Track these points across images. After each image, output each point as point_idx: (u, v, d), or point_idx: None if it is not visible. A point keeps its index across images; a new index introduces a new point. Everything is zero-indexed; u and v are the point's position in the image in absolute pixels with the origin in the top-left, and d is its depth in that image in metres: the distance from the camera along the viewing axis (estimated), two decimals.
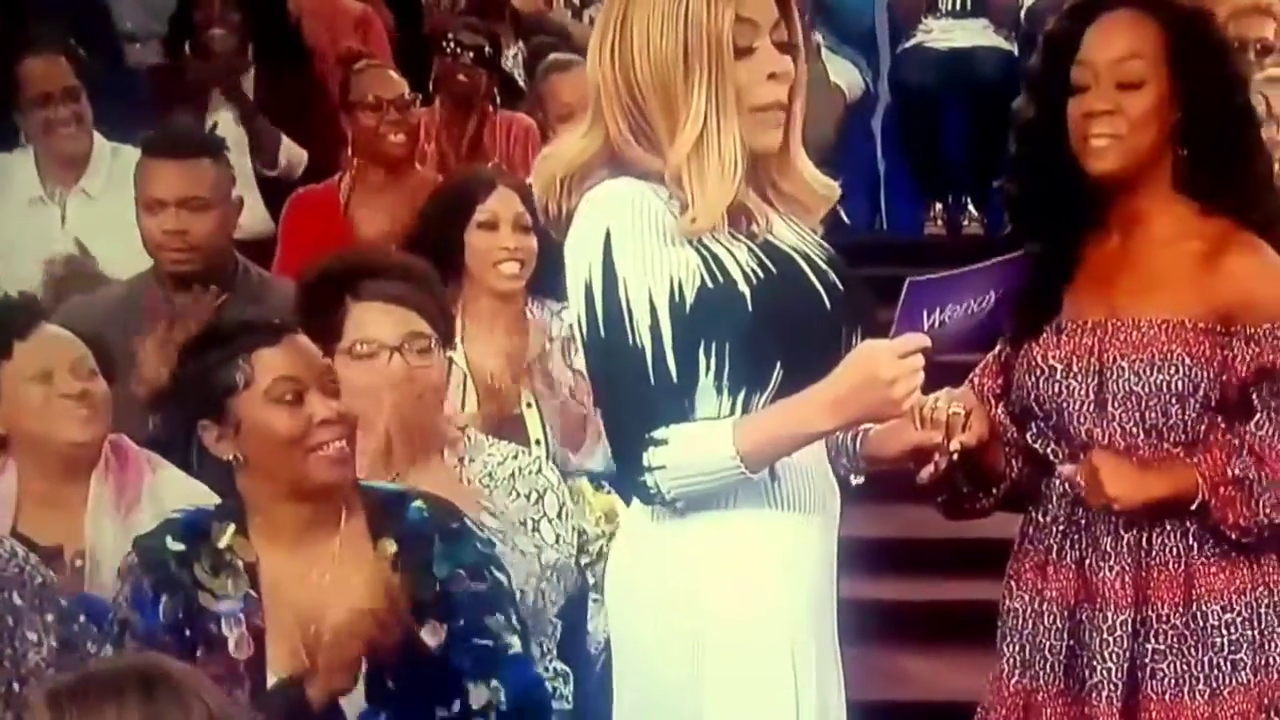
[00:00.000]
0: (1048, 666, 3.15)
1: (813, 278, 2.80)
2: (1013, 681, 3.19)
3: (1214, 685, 3.06)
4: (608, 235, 2.71)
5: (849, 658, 3.00)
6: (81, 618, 3.17)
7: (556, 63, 5.93)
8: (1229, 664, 3.06)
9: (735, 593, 2.77)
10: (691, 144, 2.72)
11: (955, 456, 2.91)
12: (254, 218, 5.68)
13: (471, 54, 6.47)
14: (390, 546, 3.23)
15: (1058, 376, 3.11)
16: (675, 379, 2.71)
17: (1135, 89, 3.07)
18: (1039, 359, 3.14)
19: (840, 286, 2.82)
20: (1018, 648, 3.19)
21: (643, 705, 2.85)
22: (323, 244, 5.34)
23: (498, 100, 6.64)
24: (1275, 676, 3.07)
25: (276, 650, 3.18)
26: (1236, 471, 3.01)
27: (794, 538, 2.81)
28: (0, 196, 5.50)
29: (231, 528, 3.24)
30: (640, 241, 2.71)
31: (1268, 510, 3.01)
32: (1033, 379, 3.14)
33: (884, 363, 2.69)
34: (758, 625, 2.77)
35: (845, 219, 7.12)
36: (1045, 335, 3.14)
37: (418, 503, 3.30)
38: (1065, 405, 3.11)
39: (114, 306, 4.49)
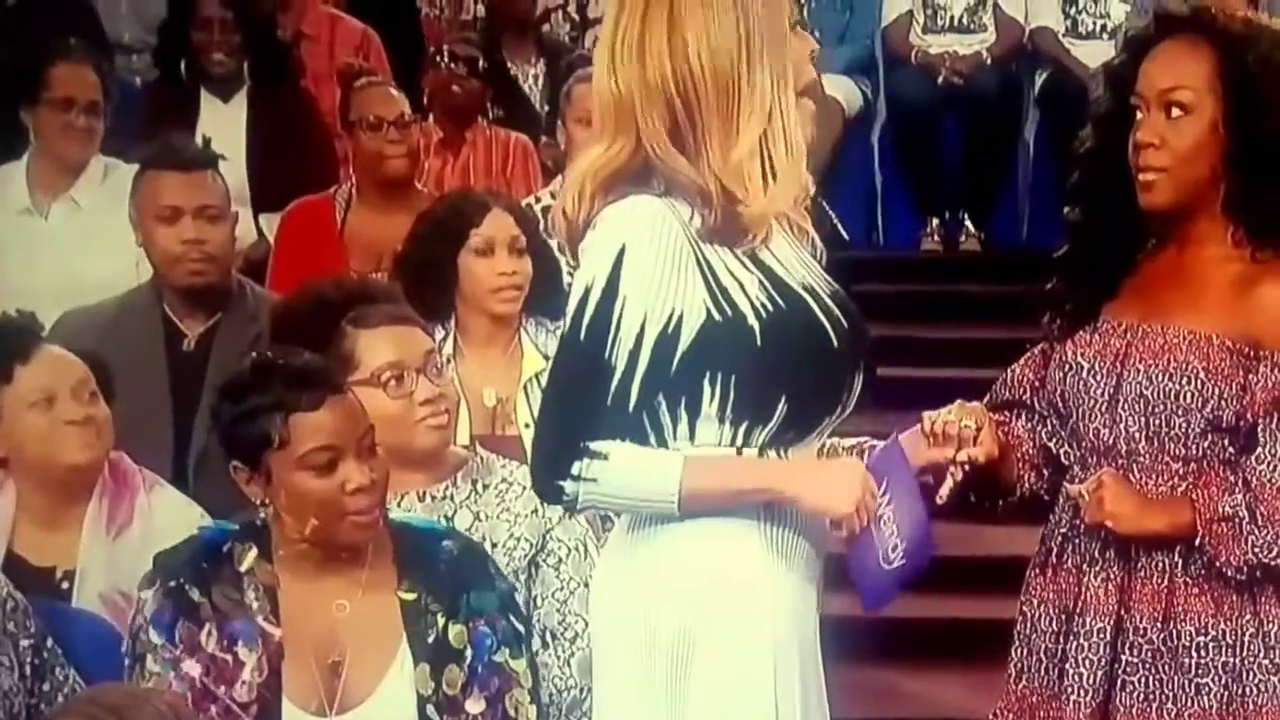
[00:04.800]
0: (1042, 669, 3.15)
1: (820, 315, 2.81)
2: (1019, 686, 3.19)
3: (1179, 705, 3.04)
4: (621, 251, 2.72)
5: (847, 677, 3.00)
6: (49, 642, 3.14)
7: (587, 75, 5.92)
8: (1193, 687, 3.03)
9: (721, 601, 2.78)
10: (761, 127, 2.75)
11: (967, 469, 2.97)
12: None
13: (465, 66, 6.45)
14: (409, 594, 3.21)
15: (1081, 374, 3.12)
16: (631, 408, 2.73)
17: (1182, 119, 3.06)
18: (1069, 355, 3.15)
19: (845, 323, 2.83)
20: (1024, 651, 3.19)
21: (622, 708, 2.85)
22: (316, 257, 5.34)
23: (490, 115, 6.62)
24: (1250, 708, 3.03)
25: (293, 676, 3.16)
26: (1228, 509, 3.00)
27: (783, 548, 2.82)
28: None
29: (254, 551, 3.21)
30: (652, 264, 2.73)
31: (1257, 550, 2.99)
32: (1060, 374, 3.16)
33: (866, 487, 2.80)
34: (743, 632, 2.77)
35: (844, 234, 7.09)
36: (1082, 333, 3.15)
37: (448, 542, 3.28)
38: (1082, 403, 3.12)
39: (109, 323, 4.45)
